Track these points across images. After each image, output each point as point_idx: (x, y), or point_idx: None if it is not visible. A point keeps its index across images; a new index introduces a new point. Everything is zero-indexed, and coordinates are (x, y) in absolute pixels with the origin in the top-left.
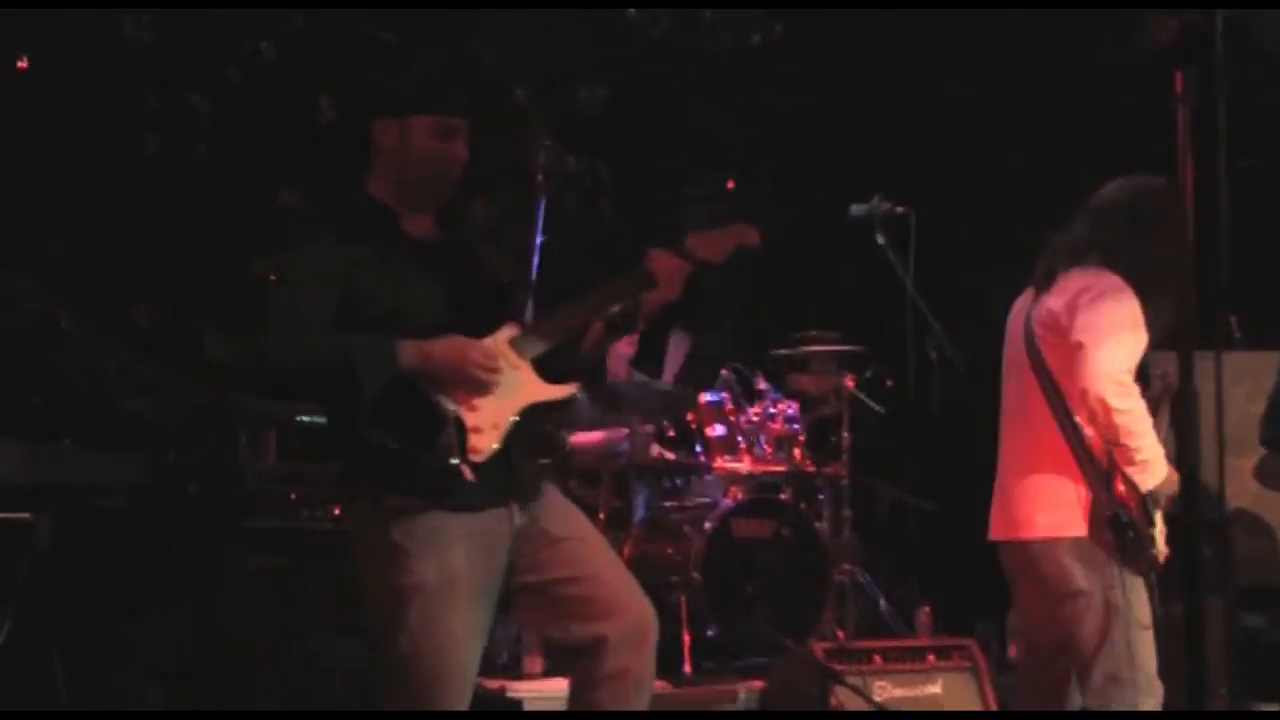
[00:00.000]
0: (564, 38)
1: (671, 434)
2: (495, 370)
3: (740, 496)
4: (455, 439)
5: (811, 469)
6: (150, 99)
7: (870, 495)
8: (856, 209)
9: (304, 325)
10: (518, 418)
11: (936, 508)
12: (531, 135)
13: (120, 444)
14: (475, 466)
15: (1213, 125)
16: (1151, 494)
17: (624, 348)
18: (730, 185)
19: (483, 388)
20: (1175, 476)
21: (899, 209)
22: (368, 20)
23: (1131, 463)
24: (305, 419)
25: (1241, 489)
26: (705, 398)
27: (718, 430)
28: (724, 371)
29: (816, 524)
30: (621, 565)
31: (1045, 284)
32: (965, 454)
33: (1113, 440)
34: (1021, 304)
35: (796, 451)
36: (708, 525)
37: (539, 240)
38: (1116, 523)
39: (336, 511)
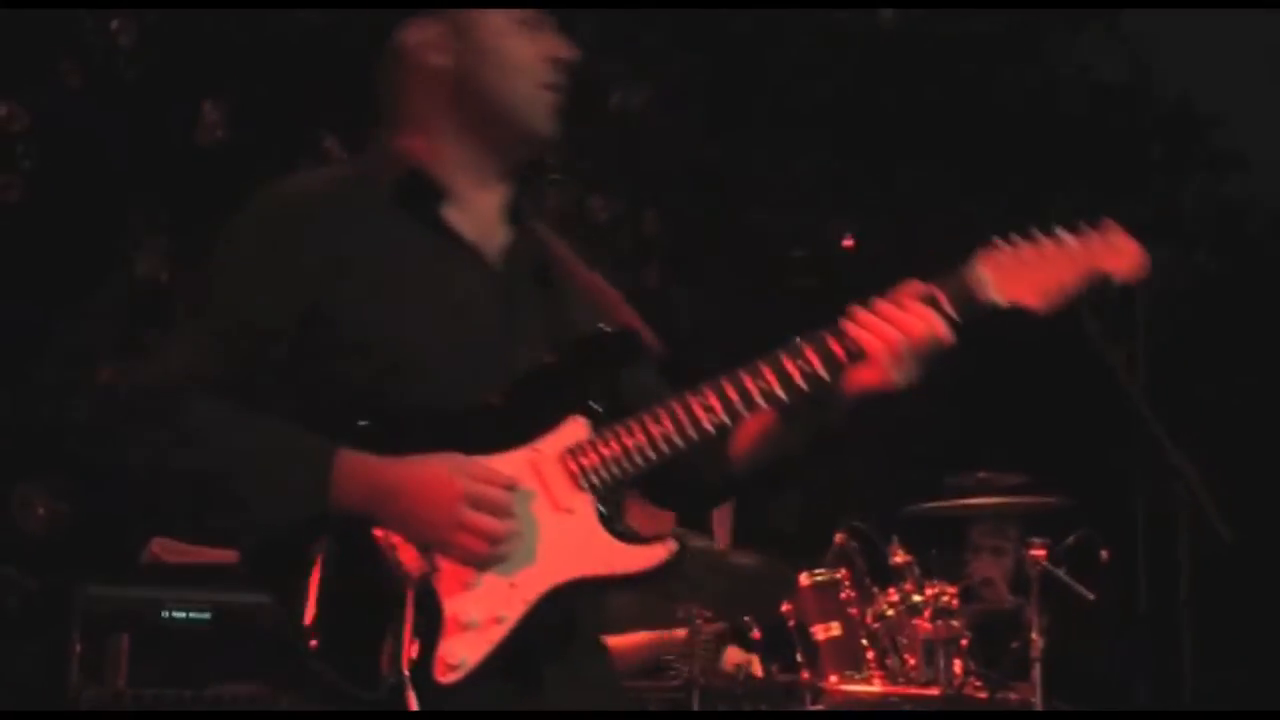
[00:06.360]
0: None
1: (756, 635)
2: (504, 522)
3: None
4: (404, 639)
5: (981, 693)
6: None
7: None
8: None
9: (188, 372)
10: (541, 603)
11: None
12: None
13: None
14: (436, 693)
15: None
16: None
17: None
18: (849, 243)
19: (477, 557)
20: None
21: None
22: None
23: None
24: (178, 615)
25: None
26: (810, 578)
27: (831, 630)
28: (839, 537)
29: None
30: None
31: None
32: (1229, 667)
33: None
34: None
35: (957, 664)
36: None
37: None
38: None
39: None
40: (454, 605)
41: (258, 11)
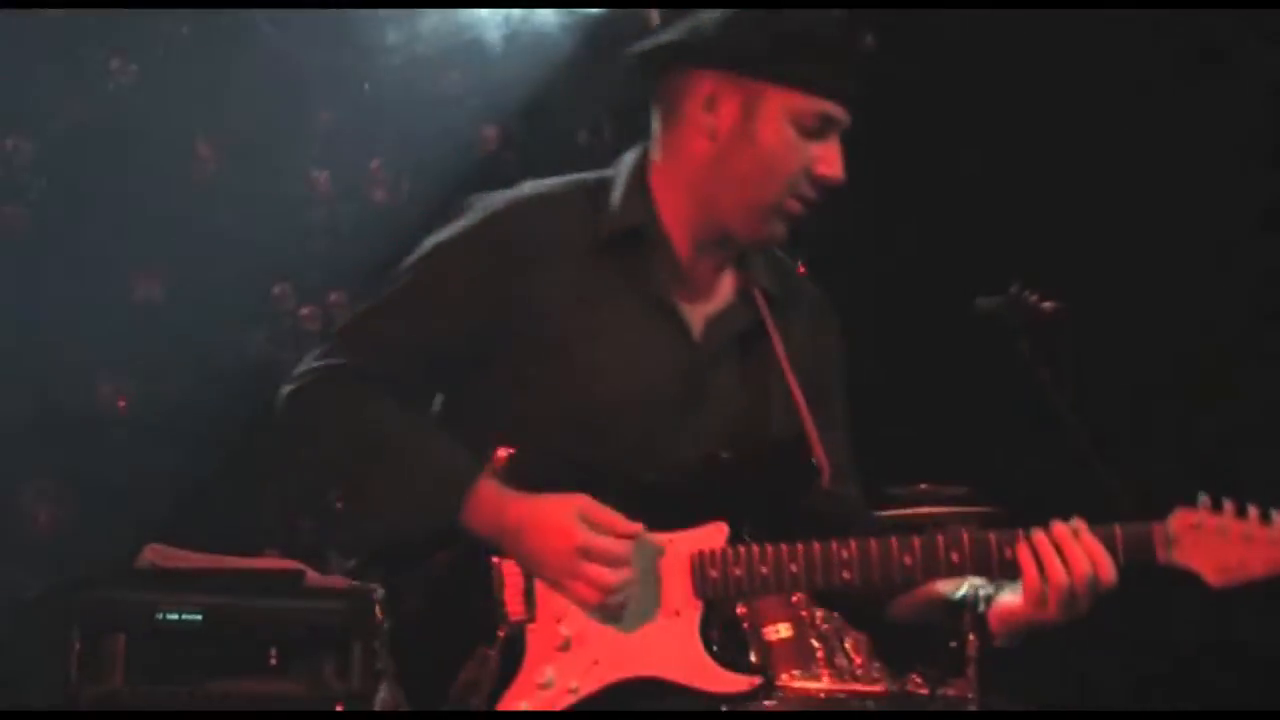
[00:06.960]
0: None
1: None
2: (617, 572)
3: None
4: (479, 676)
5: (923, 689)
6: None
7: None
8: (986, 303)
9: (360, 369)
10: (616, 687)
11: None
12: None
13: None
14: None
15: None
16: None
17: None
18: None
19: (589, 604)
20: None
21: (1047, 304)
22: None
23: None
24: (172, 616)
25: None
26: None
27: (780, 631)
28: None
29: None
30: None
31: None
32: (1160, 669)
33: None
34: None
35: None
36: None
37: None
38: None
39: None
40: (535, 662)
41: (249, 46)
